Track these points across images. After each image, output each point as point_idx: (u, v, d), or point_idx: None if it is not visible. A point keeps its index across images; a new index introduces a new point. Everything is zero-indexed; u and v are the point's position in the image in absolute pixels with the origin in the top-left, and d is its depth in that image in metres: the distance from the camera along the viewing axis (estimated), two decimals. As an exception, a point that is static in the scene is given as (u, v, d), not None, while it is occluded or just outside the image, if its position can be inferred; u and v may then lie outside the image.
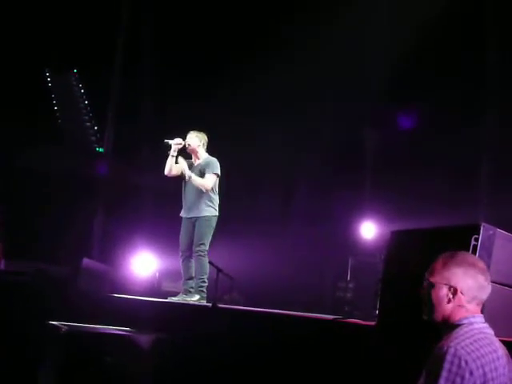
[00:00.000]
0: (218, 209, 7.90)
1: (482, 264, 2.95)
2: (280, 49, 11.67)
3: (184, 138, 7.95)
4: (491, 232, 3.93)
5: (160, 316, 7.30)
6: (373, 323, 4.54)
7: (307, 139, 12.36)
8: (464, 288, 2.88)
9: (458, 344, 2.73)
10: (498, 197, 10.39)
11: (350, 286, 10.99)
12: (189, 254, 7.83)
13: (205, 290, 7.73)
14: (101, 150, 13.25)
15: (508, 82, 10.25)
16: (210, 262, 7.47)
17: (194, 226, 7.83)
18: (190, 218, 7.88)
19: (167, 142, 7.86)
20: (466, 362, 2.68)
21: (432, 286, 2.95)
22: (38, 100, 12.62)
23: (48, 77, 13.14)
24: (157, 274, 11.34)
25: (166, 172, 7.98)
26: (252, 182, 12.18)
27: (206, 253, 7.71)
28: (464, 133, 10.68)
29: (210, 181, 7.80)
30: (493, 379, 2.73)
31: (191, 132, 8.00)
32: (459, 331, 2.83)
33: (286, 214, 13.34)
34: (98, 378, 5.98)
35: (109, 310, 8.68)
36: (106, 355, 6.05)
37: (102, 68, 12.86)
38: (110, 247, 11.96)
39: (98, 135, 13.42)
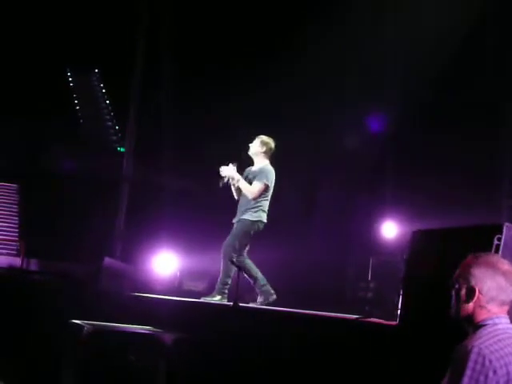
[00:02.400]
0: (262, 215, 7.85)
1: (506, 266, 2.93)
2: (300, 50, 11.69)
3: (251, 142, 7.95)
4: (514, 232, 3.92)
5: (182, 315, 7.34)
6: (395, 323, 4.54)
7: (328, 139, 12.33)
8: (483, 289, 2.89)
9: (482, 343, 2.76)
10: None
11: (371, 285, 10.95)
12: None
13: (226, 291, 7.72)
14: (122, 149, 13.30)
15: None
16: (231, 261, 7.46)
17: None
18: (235, 222, 7.92)
19: (223, 182, 7.85)
20: (490, 361, 2.70)
21: (454, 285, 2.98)
22: (60, 100, 12.69)
23: (70, 76, 13.22)
24: (178, 273, 11.36)
25: (237, 198, 8.00)
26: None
27: (232, 255, 7.61)
28: (482, 132, 10.62)
29: (255, 188, 7.76)
30: None
31: (258, 136, 7.95)
32: (483, 331, 2.85)
33: (306, 213, 13.30)
34: (121, 376, 6.02)
35: (131, 309, 8.74)
36: (130, 354, 6.09)
37: (122, 67, 12.91)
38: (132, 246, 12.00)
39: (120, 135, 13.47)
